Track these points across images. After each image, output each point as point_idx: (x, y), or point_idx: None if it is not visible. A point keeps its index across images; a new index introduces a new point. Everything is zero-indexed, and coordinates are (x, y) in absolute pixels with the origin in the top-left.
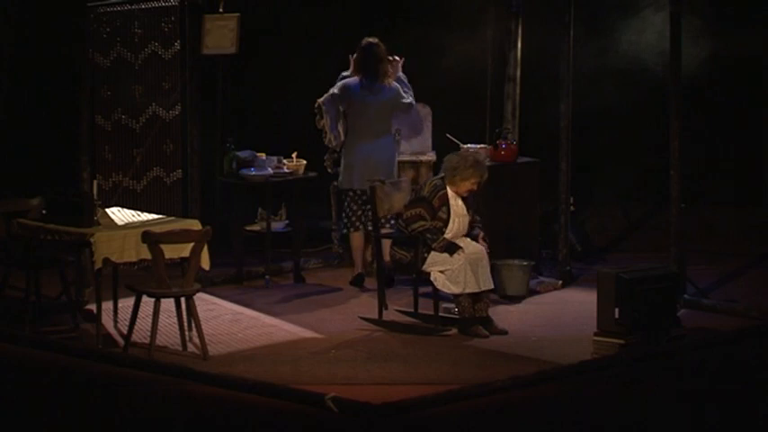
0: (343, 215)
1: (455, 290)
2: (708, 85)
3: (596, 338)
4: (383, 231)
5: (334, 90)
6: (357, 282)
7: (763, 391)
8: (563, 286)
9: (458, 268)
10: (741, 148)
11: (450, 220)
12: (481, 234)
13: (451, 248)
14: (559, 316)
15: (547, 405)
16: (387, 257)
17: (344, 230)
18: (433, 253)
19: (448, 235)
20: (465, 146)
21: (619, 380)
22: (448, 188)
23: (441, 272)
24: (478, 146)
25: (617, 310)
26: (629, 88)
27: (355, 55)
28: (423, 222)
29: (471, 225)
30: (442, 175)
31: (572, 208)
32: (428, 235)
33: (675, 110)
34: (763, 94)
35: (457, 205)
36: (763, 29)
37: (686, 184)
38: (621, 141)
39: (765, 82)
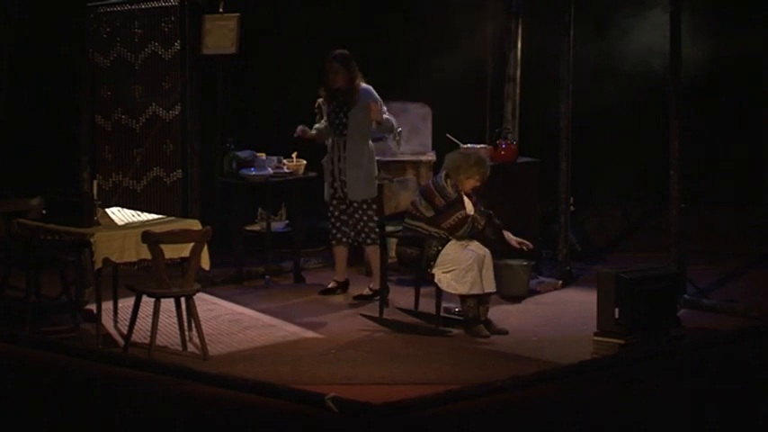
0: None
1: (461, 290)
2: (708, 85)
3: (596, 338)
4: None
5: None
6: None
7: (763, 391)
8: (563, 286)
9: (465, 268)
10: (741, 148)
11: None
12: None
13: (492, 221)
14: (559, 316)
15: (547, 405)
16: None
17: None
18: (443, 253)
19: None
20: (465, 146)
21: (619, 380)
22: None
23: (446, 272)
24: (478, 146)
25: (617, 310)
26: (629, 88)
27: (342, 68)
28: (466, 227)
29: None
30: (446, 172)
31: (572, 208)
32: (478, 226)
33: (675, 110)
34: (763, 94)
35: (467, 202)
36: (763, 29)
37: (686, 184)
38: (621, 141)
39: (765, 82)
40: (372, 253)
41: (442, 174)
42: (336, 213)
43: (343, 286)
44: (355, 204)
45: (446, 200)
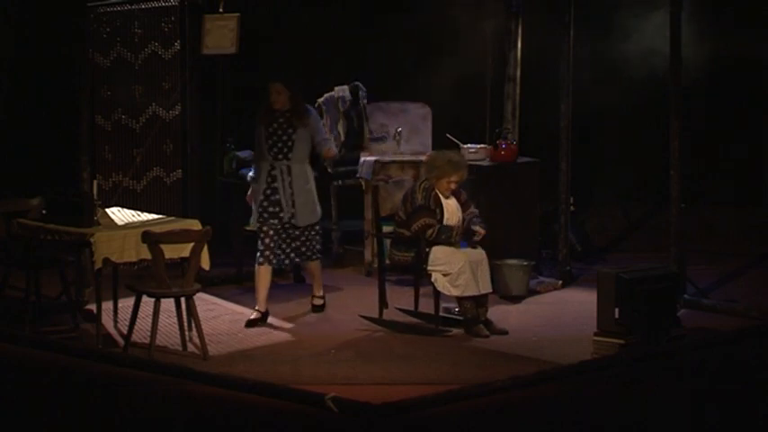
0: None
1: (455, 292)
2: (708, 85)
3: (596, 338)
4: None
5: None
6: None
7: (763, 391)
8: (563, 286)
9: (458, 271)
10: (741, 148)
11: (445, 220)
12: (479, 229)
13: (468, 234)
14: (559, 316)
15: (547, 405)
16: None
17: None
18: (433, 252)
19: None
20: (465, 146)
21: (619, 380)
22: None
23: (442, 274)
24: (478, 146)
25: (617, 310)
26: (629, 88)
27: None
28: (431, 230)
29: (467, 219)
30: (425, 176)
31: (572, 208)
32: (443, 236)
33: (675, 110)
34: (764, 95)
35: (448, 204)
36: (764, 29)
37: (686, 184)
38: (621, 141)
39: (765, 82)
40: (315, 267)
41: (422, 178)
42: (271, 233)
43: (264, 317)
44: (302, 229)
45: (413, 206)
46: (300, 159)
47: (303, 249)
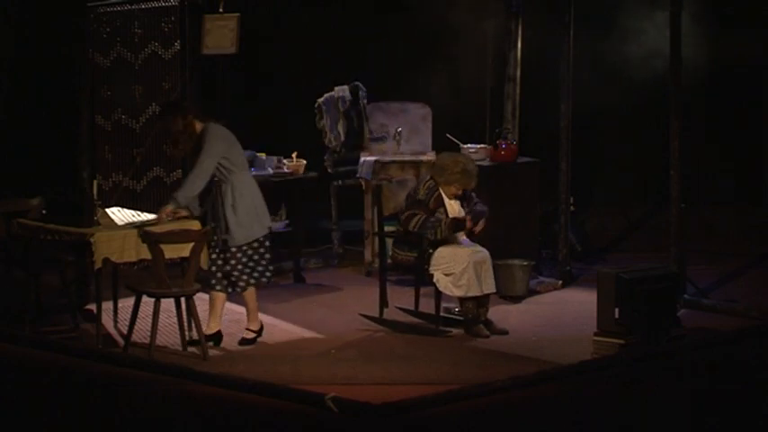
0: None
1: (458, 293)
2: (708, 85)
3: (596, 338)
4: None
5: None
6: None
7: (763, 391)
8: (563, 286)
9: (461, 271)
10: (741, 148)
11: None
12: (467, 217)
13: (459, 226)
14: (559, 316)
15: (547, 405)
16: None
17: (240, 288)
18: (436, 253)
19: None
20: (465, 146)
21: (619, 380)
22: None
23: (444, 275)
24: (478, 146)
25: (617, 310)
26: (629, 88)
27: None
28: (416, 219)
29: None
30: (430, 174)
31: (572, 208)
32: (428, 225)
33: (675, 110)
34: (764, 95)
35: (451, 205)
36: (764, 29)
37: (686, 184)
38: (621, 141)
39: (765, 82)
40: (249, 295)
41: (427, 176)
42: (213, 256)
43: (215, 337)
44: (233, 250)
45: (414, 197)
46: (224, 177)
47: (234, 274)
